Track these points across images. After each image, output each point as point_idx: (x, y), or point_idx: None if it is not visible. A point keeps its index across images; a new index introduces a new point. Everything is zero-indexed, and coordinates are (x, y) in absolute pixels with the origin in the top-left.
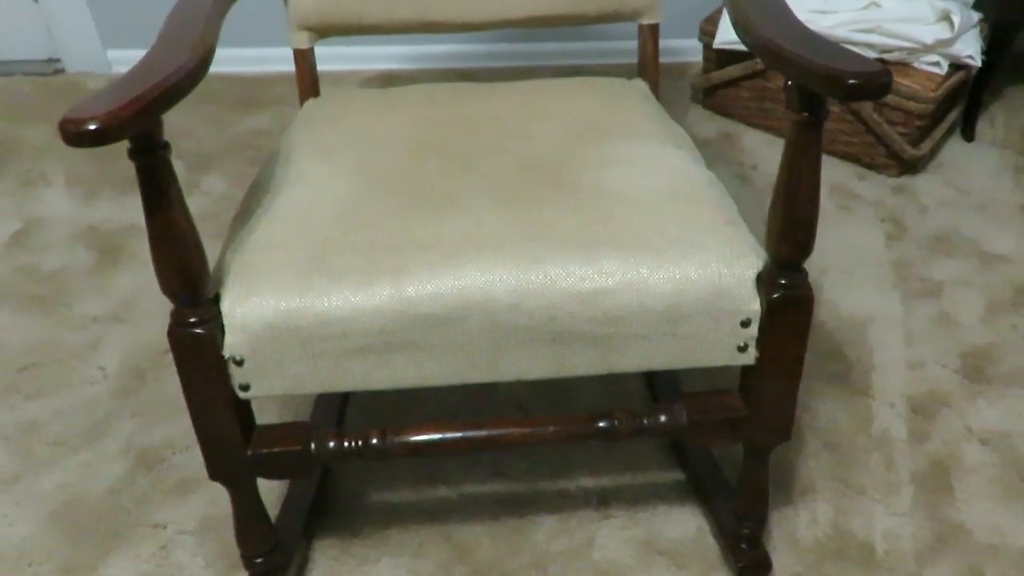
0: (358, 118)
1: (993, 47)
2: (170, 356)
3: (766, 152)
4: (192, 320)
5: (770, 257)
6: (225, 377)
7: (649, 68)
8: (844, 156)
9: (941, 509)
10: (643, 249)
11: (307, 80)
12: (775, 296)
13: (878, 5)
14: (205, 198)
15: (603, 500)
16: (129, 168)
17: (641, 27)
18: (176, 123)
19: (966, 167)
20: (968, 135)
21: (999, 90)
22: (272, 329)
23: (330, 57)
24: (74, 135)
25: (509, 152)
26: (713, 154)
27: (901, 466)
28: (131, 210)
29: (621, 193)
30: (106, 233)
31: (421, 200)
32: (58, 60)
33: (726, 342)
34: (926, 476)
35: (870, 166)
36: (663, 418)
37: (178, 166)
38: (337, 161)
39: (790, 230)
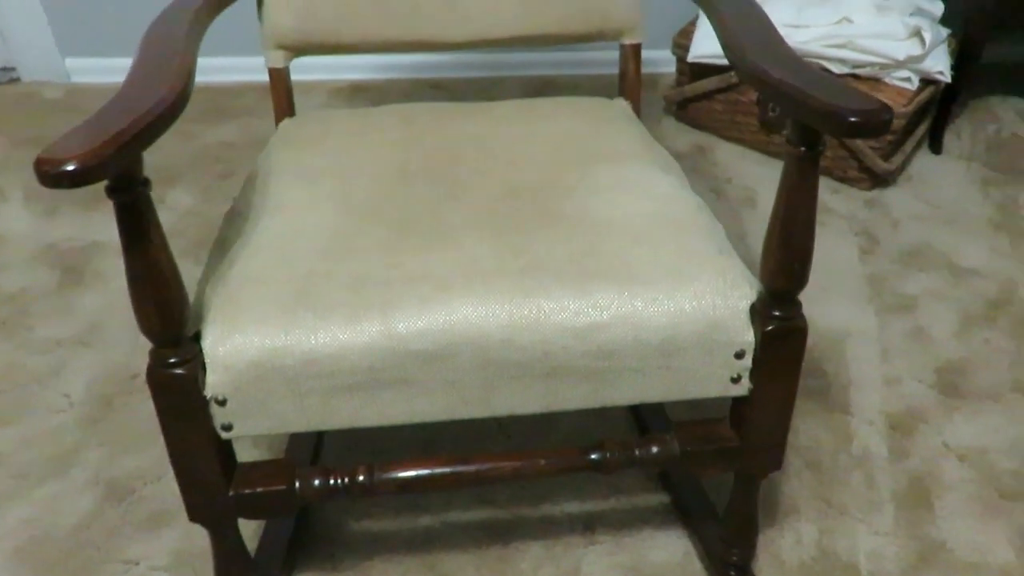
0: (338, 141)
1: (960, 62)
2: (139, 381)
3: (740, 165)
4: (172, 360)
5: (765, 289)
6: (207, 417)
7: (631, 87)
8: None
9: (922, 527)
10: (637, 281)
11: (282, 99)
12: (770, 328)
13: (850, 21)
14: (171, 213)
15: (588, 525)
16: (98, 185)
17: (623, 47)
18: None
19: (935, 180)
20: (936, 148)
21: (964, 103)
22: (256, 368)
23: (296, 68)
24: (51, 176)
25: (494, 177)
26: (687, 167)
27: (882, 484)
28: (94, 227)
29: (612, 222)
30: (68, 251)
31: (408, 230)
32: (13, 68)
33: (720, 374)
34: (907, 494)
35: (842, 179)
36: (655, 449)
37: None
38: (319, 187)
39: (786, 262)
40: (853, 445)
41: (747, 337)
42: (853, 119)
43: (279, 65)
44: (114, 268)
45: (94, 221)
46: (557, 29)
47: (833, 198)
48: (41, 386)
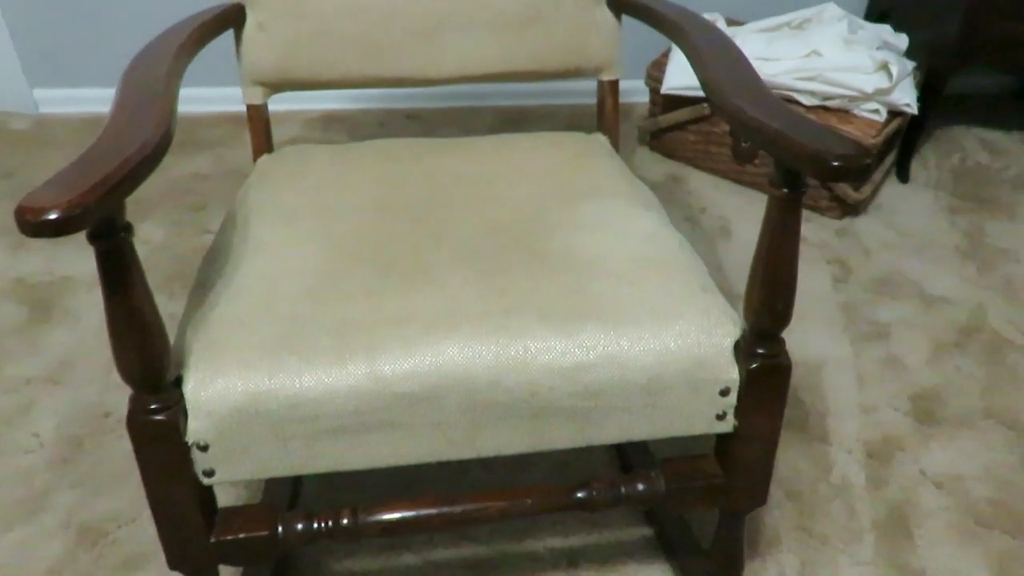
0: (318, 179)
1: (925, 94)
2: (111, 420)
3: (714, 195)
4: (153, 407)
5: (749, 327)
6: (188, 463)
7: (609, 123)
8: None
9: (902, 556)
10: (622, 321)
11: (260, 135)
12: (754, 366)
13: (819, 54)
14: (144, 247)
15: (572, 561)
16: None
17: (601, 83)
18: None
19: (904, 208)
20: (903, 177)
21: (929, 133)
22: (240, 413)
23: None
24: (32, 226)
25: (477, 214)
26: (662, 197)
27: (862, 513)
28: (64, 261)
29: (596, 260)
30: (37, 286)
31: (392, 270)
32: None
33: (705, 411)
34: (886, 523)
35: (814, 208)
36: (641, 487)
37: None
38: (300, 227)
39: (770, 302)
40: (832, 474)
41: (732, 375)
42: (835, 163)
43: (257, 102)
44: (84, 303)
45: (63, 255)
46: (536, 66)
47: (805, 227)
48: (9, 426)
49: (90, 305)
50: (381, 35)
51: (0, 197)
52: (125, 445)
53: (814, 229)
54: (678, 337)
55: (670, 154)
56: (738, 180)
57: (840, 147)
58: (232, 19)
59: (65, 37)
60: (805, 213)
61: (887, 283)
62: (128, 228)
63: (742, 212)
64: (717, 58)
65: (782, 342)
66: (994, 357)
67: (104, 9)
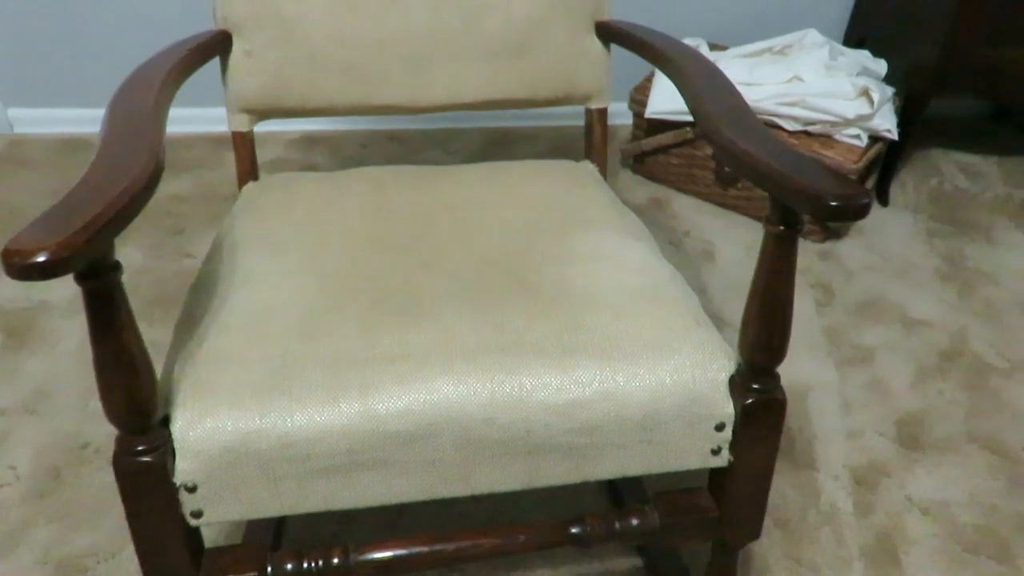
0: (306, 209)
1: (905, 119)
2: (89, 451)
3: (697, 218)
4: (140, 448)
5: (744, 362)
6: (175, 505)
7: (598, 150)
8: None
9: None
10: (618, 357)
11: (245, 162)
12: (749, 401)
13: (801, 79)
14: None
15: None
16: None
17: (589, 111)
18: None
19: (884, 232)
20: (883, 200)
21: (907, 156)
22: (229, 453)
23: None
24: (20, 268)
25: (467, 245)
26: (645, 220)
27: (850, 540)
28: (40, 285)
29: (589, 294)
30: (11, 313)
31: (383, 304)
32: None
33: (700, 446)
34: (874, 550)
35: None
36: (635, 521)
37: None
38: (288, 258)
39: (766, 338)
40: (820, 501)
41: (727, 410)
42: (834, 203)
43: (243, 129)
44: (61, 329)
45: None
46: (525, 94)
47: None
48: None
49: (67, 331)
50: (370, 63)
51: None
52: (104, 477)
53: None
54: (673, 372)
55: (653, 177)
56: (721, 203)
57: (839, 187)
58: (218, 46)
59: (40, 56)
60: None
61: (870, 307)
62: (117, 267)
63: (725, 235)
64: (709, 90)
65: (777, 377)
66: (976, 381)
67: (79, 28)
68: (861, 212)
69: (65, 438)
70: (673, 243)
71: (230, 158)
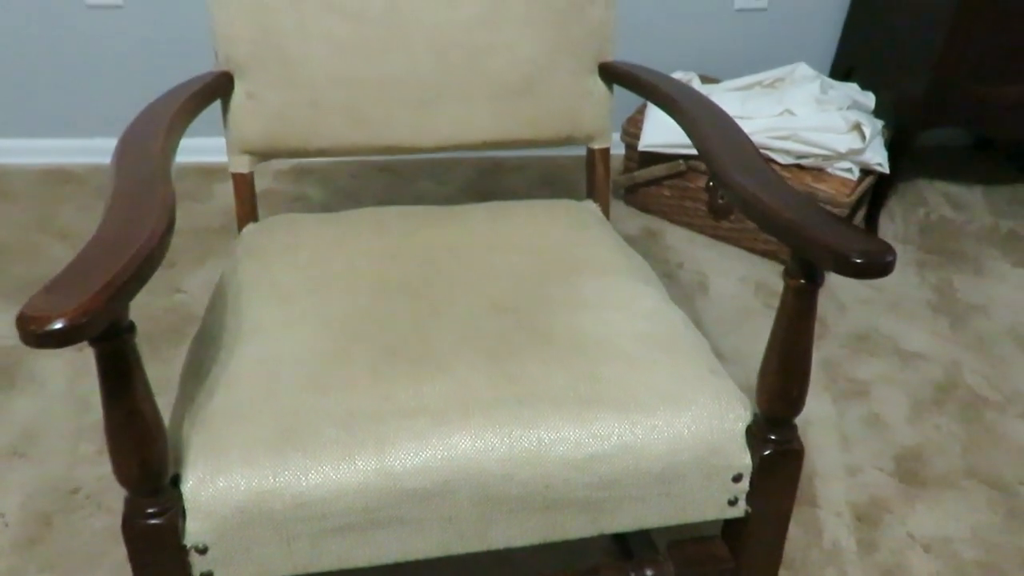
0: (310, 253)
1: (894, 151)
2: (80, 496)
3: (690, 250)
4: (150, 510)
5: (761, 413)
6: (185, 566)
7: (600, 190)
8: (764, 254)
9: None
10: (636, 409)
11: (246, 204)
12: (767, 452)
13: (792, 113)
14: None
15: None
16: (24, 274)
17: (591, 150)
18: (77, 223)
19: None
20: (872, 231)
21: (895, 187)
22: (242, 514)
23: (219, 148)
24: (37, 336)
25: (476, 291)
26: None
27: None
28: None
29: (603, 343)
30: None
31: (395, 354)
32: None
33: (717, 497)
34: None
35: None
36: (650, 572)
37: None
38: (295, 306)
39: (785, 389)
40: (823, 539)
41: (744, 460)
42: (859, 260)
43: (244, 170)
44: (49, 369)
45: None
46: (528, 135)
47: (781, 282)
48: None
49: (56, 370)
50: (374, 105)
51: None
52: (96, 524)
53: None
54: (691, 424)
55: (645, 208)
56: (713, 235)
57: (862, 243)
58: (220, 88)
59: (23, 85)
60: (780, 267)
61: (864, 339)
62: (131, 328)
63: (718, 267)
64: (721, 138)
65: (794, 427)
66: (972, 415)
67: (63, 59)
68: (886, 269)
69: (55, 482)
70: (667, 275)
71: (220, 190)
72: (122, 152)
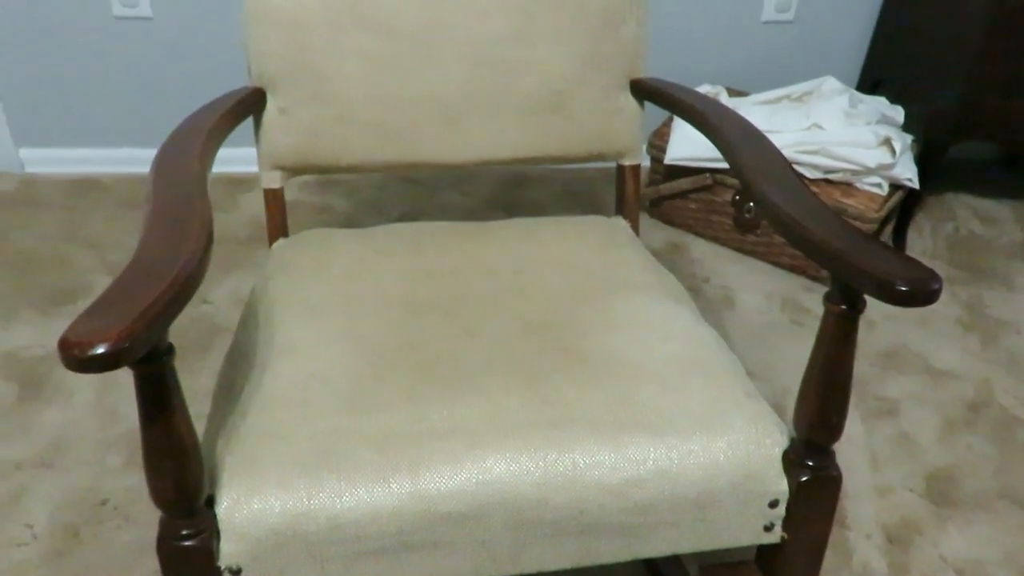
0: (341, 269)
1: (923, 165)
2: (107, 507)
3: (716, 263)
4: (185, 532)
5: (799, 438)
6: None
7: (630, 207)
8: (791, 268)
9: None
10: (671, 433)
11: (276, 220)
12: (804, 478)
13: (820, 127)
14: None
15: None
16: (52, 282)
17: (622, 167)
18: (104, 233)
19: None
20: (900, 246)
21: (923, 200)
22: (277, 536)
23: (246, 158)
24: (79, 361)
25: (508, 310)
26: (664, 265)
27: None
28: (55, 333)
29: (637, 365)
30: (27, 361)
31: (429, 375)
32: None
33: (753, 523)
34: None
35: (815, 278)
36: None
37: (108, 282)
38: (328, 324)
39: (825, 416)
40: (853, 561)
41: (781, 486)
42: (904, 288)
43: (276, 186)
44: (77, 380)
45: (55, 327)
46: (559, 151)
47: (807, 297)
48: (0, 516)
49: (83, 380)
50: (404, 122)
51: None
52: (124, 535)
53: (817, 300)
54: (728, 449)
55: (670, 221)
56: (739, 249)
57: (908, 271)
58: (253, 104)
59: (52, 97)
60: (807, 283)
61: (893, 357)
62: (170, 350)
63: (745, 282)
64: (758, 161)
65: (832, 454)
66: (1004, 434)
67: (92, 67)
68: (931, 297)
69: (83, 494)
70: (692, 289)
71: (246, 200)
72: (159, 171)
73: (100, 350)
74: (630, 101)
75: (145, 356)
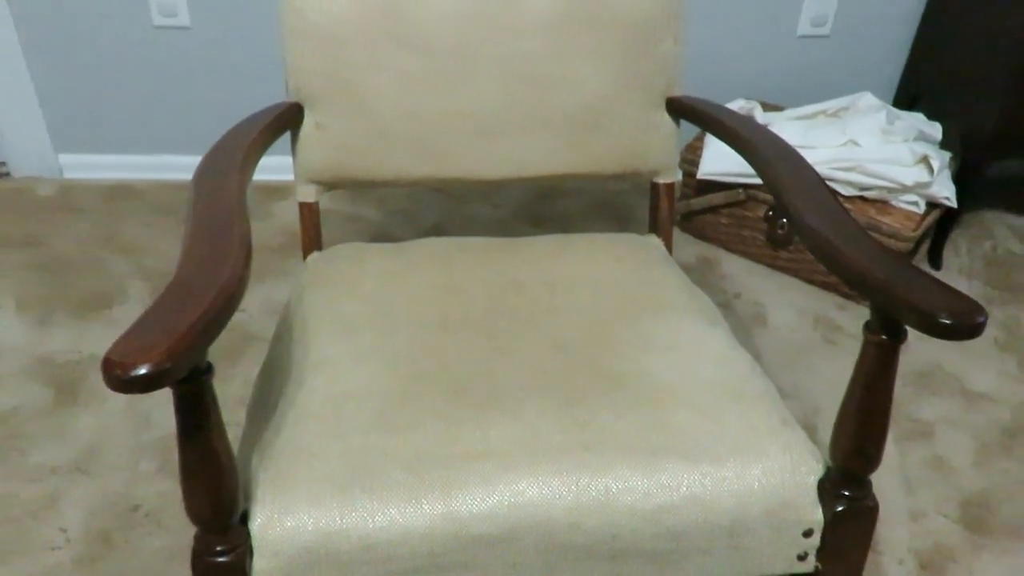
0: (375, 285)
1: (961, 183)
2: (140, 513)
3: (747, 280)
4: (219, 548)
5: (836, 468)
6: None
7: (664, 225)
8: (824, 286)
9: None
10: (705, 459)
11: (311, 233)
12: (840, 508)
13: (856, 143)
14: None
15: None
16: (88, 287)
17: (656, 185)
18: (139, 239)
19: None
20: (936, 264)
21: (960, 218)
22: (309, 554)
23: (279, 167)
24: (122, 382)
25: (541, 329)
26: (695, 280)
27: None
28: (90, 338)
29: (671, 388)
30: (63, 366)
31: (462, 394)
32: (3, 164)
33: (786, 552)
34: None
35: (848, 296)
36: None
37: (143, 287)
38: (361, 340)
39: (862, 445)
40: None
41: (816, 516)
42: (947, 321)
43: (311, 199)
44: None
45: (90, 332)
46: (594, 168)
47: (841, 315)
48: (35, 519)
49: None
50: (440, 137)
51: (25, 267)
52: (156, 542)
53: (850, 318)
54: (762, 477)
55: (701, 235)
56: (771, 264)
57: (951, 303)
58: (291, 119)
59: (92, 104)
60: (840, 300)
61: (927, 377)
62: (209, 369)
63: (777, 298)
64: (797, 183)
65: (869, 484)
66: None
67: (130, 75)
68: (975, 331)
69: (116, 499)
70: (723, 305)
71: (279, 208)
72: (199, 188)
73: (143, 371)
74: (665, 119)
75: (186, 376)
